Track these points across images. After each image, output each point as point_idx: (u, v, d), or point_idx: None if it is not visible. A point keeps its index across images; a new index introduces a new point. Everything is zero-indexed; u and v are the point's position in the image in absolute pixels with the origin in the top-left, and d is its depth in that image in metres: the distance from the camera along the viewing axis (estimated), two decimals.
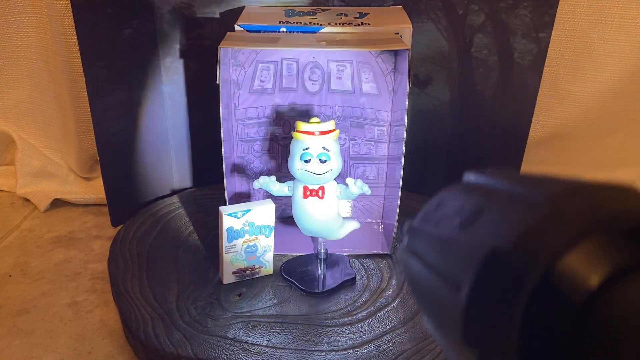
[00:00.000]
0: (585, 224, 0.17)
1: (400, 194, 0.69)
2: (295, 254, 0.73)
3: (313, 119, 0.62)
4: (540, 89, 0.83)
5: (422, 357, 0.57)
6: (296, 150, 0.61)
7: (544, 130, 0.96)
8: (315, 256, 0.71)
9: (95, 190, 0.95)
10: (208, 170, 0.94)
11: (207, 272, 0.70)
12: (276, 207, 0.68)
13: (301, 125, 0.61)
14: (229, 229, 0.65)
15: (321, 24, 0.72)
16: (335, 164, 0.62)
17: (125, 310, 0.63)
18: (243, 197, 0.80)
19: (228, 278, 0.68)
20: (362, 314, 0.63)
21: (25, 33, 0.91)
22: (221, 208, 0.65)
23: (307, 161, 0.61)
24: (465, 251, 0.19)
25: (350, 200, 0.80)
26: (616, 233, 0.17)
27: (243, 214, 0.65)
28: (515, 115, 0.85)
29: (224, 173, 0.70)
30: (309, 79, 0.75)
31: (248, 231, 0.66)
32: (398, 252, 0.26)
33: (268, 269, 0.70)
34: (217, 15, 0.83)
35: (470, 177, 0.23)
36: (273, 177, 0.65)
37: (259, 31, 0.71)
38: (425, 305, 0.22)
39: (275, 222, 0.68)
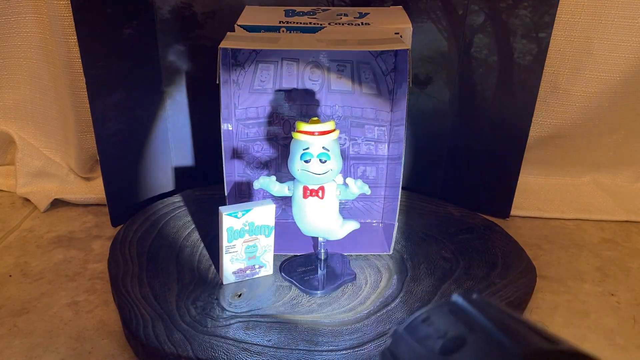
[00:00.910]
0: None
1: (400, 194, 0.69)
2: (295, 254, 0.73)
3: (313, 119, 0.61)
4: (540, 89, 0.83)
5: None
6: (296, 150, 0.61)
7: (544, 130, 0.96)
8: (315, 256, 0.71)
9: (95, 190, 0.95)
10: (208, 170, 0.94)
11: (207, 272, 0.70)
12: (276, 207, 0.68)
13: (301, 125, 0.61)
14: (229, 229, 0.65)
15: (321, 24, 0.72)
16: (335, 164, 0.62)
17: (125, 310, 0.63)
18: (243, 197, 0.80)
19: (228, 278, 0.68)
20: (362, 314, 0.63)
21: (25, 33, 0.91)
22: (221, 208, 0.65)
23: (307, 161, 0.61)
24: None
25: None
26: None
27: (243, 214, 0.65)
28: (515, 115, 0.85)
29: (224, 173, 0.70)
30: (309, 79, 0.75)
31: (248, 231, 0.66)
32: (381, 351, 0.29)
33: (268, 269, 0.70)
34: (217, 15, 0.83)
35: (458, 299, 0.25)
36: (273, 177, 0.65)
37: (259, 31, 0.71)
38: None
39: (275, 222, 0.68)
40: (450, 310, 0.25)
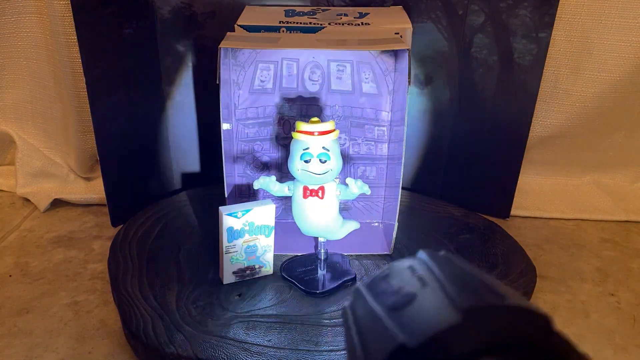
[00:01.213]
0: (482, 345, 0.19)
1: (400, 194, 0.69)
2: (295, 254, 0.73)
3: (313, 119, 0.61)
4: (540, 89, 0.83)
5: None
6: (296, 150, 0.61)
7: (544, 130, 0.96)
8: (315, 256, 0.71)
9: (95, 190, 0.95)
10: (208, 170, 0.94)
11: (207, 272, 0.70)
12: (276, 207, 0.68)
13: (301, 125, 0.61)
14: (229, 229, 0.65)
15: (321, 24, 0.72)
16: (335, 164, 0.62)
17: (125, 310, 0.63)
18: (243, 197, 0.80)
19: (228, 278, 0.68)
20: None
21: (25, 33, 0.91)
22: (221, 208, 0.65)
23: (307, 161, 0.61)
24: (383, 337, 0.21)
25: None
26: (508, 357, 0.19)
27: (243, 214, 0.65)
28: (515, 115, 0.85)
29: (224, 173, 0.70)
30: (309, 79, 0.75)
31: (248, 231, 0.66)
32: (344, 305, 0.29)
33: (268, 269, 0.70)
34: (217, 15, 0.83)
35: (422, 255, 0.25)
36: (273, 177, 0.65)
37: (259, 31, 0.71)
38: None
39: (275, 222, 0.68)
40: (410, 266, 0.25)
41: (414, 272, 0.24)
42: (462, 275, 0.23)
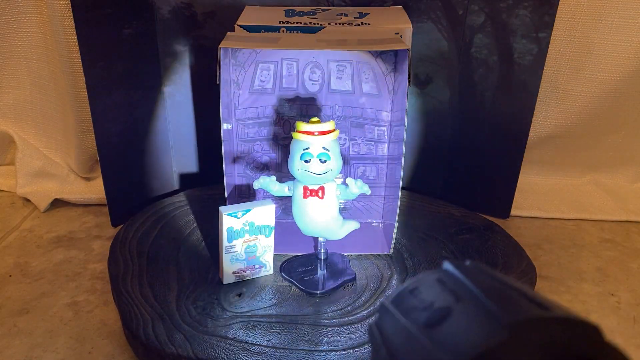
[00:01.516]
0: None
1: (400, 194, 0.69)
2: (295, 254, 0.73)
3: (313, 119, 0.62)
4: (540, 89, 0.83)
5: None
6: (296, 150, 0.61)
7: (544, 130, 0.96)
8: (315, 256, 0.71)
9: (95, 190, 0.95)
10: (208, 170, 0.94)
11: (207, 272, 0.70)
12: (276, 207, 0.68)
13: (301, 126, 0.61)
14: (229, 229, 0.65)
15: (321, 24, 0.72)
16: (335, 164, 0.62)
17: (125, 310, 0.63)
18: (243, 197, 0.80)
19: (228, 278, 0.68)
20: (362, 314, 0.63)
21: (25, 33, 0.91)
22: (221, 208, 0.65)
23: (307, 161, 0.61)
24: (421, 358, 0.20)
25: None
26: None
27: (243, 214, 0.65)
28: (515, 115, 0.85)
29: (224, 173, 0.70)
30: (309, 79, 0.75)
31: (248, 231, 0.66)
32: (370, 324, 0.27)
33: (268, 269, 0.70)
34: (217, 16, 0.83)
35: (448, 267, 0.24)
36: (273, 177, 0.65)
37: (259, 31, 0.71)
38: None
39: (275, 222, 0.68)
40: (439, 279, 0.23)
41: (443, 284, 0.23)
42: (497, 285, 0.22)
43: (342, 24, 0.72)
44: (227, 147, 0.71)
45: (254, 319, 0.62)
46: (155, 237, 0.77)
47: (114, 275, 0.69)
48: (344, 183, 0.64)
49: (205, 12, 0.82)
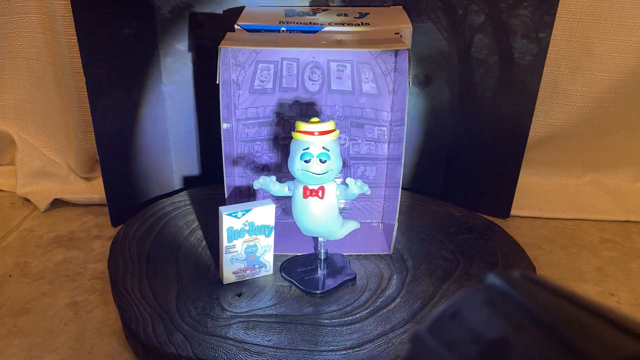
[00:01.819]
0: None
1: (400, 194, 0.69)
2: (295, 254, 0.73)
3: (313, 119, 0.62)
4: (540, 89, 0.83)
5: None
6: (296, 150, 0.61)
7: (544, 130, 0.96)
8: (315, 256, 0.71)
9: (95, 190, 0.95)
10: (208, 170, 0.94)
11: (207, 272, 0.70)
12: (276, 207, 0.68)
13: (301, 126, 0.61)
14: (229, 229, 0.65)
15: (321, 24, 0.72)
16: (335, 164, 0.62)
17: (125, 310, 0.63)
18: (243, 197, 0.80)
19: (228, 278, 0.68)
20: (362, 314, 0.63)
21: (25, 33, 0.91)
22: (221, 208, 0.65)
23: (307, 161, 0.61)
24: None
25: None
26: None
27: (243, 214, 0.65)
28: (515, 115, 0.85)
29: (224, 173, 0.70)
30: (309, 79, 0.75)
31: (248, 231, 0.66)
32: (399, 356, 0.20)
33: (268, 269, 0.70)
34: (217, 15, 0.83)
35: (495, 281, 0.19)
36: (273, 177, 0.65)
37: (259, 31, 0.71)
38: None
39: (275, 222, 0.68)
40: (486, 299, 0.18)
41: (493, 307, 0.18)
42: (564, 306, 0.17)
43: (342, 24, 0.72)
44: (227, 147, 0.71)
45: (253, 319, 0.62)
46: (155, 237, 0.77)
47: (114, 275, 0.69)
48: (344, 183, 0.64)
49: (205, 12, 0.83)
